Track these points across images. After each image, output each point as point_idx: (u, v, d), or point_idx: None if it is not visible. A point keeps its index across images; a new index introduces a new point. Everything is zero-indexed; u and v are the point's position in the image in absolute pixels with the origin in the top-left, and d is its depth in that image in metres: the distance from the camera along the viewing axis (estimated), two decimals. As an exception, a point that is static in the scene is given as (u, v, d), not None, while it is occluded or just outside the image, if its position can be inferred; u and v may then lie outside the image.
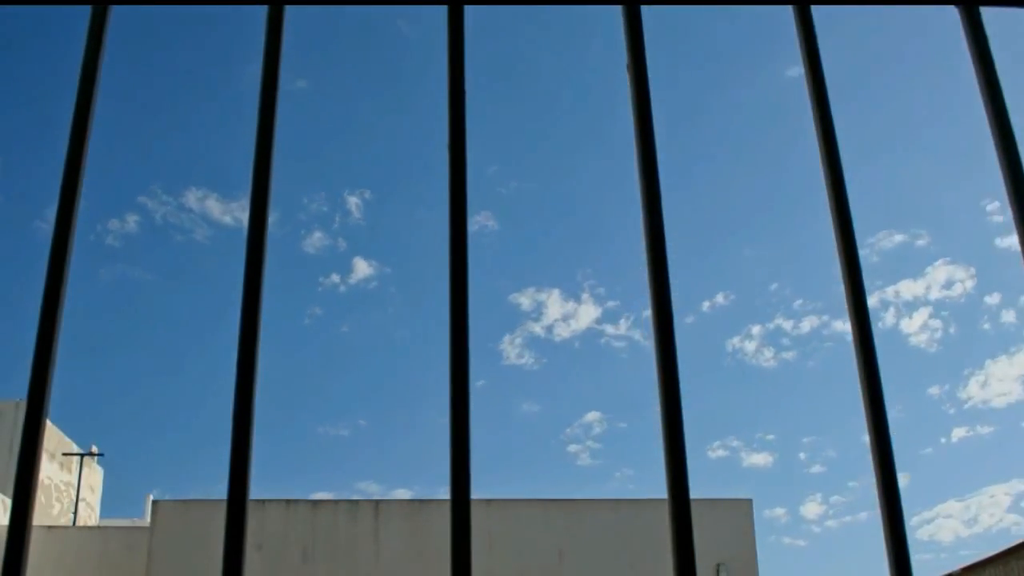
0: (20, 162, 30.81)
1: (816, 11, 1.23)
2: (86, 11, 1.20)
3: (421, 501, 17.96)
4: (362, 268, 33.95)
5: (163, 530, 17.53)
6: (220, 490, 19.92)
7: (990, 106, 1.18)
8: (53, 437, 23.74)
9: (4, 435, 23.31)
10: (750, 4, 1.23)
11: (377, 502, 17.96)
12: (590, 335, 32.17)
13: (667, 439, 1.02)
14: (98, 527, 21.96)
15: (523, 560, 17.35)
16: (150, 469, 38.09)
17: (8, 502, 19.71)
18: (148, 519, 20.80)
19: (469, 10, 1.23)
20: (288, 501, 17.85)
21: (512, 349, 31.17)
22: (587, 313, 31.65)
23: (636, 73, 1.19)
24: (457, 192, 1.13)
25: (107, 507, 26.83)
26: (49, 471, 23.51)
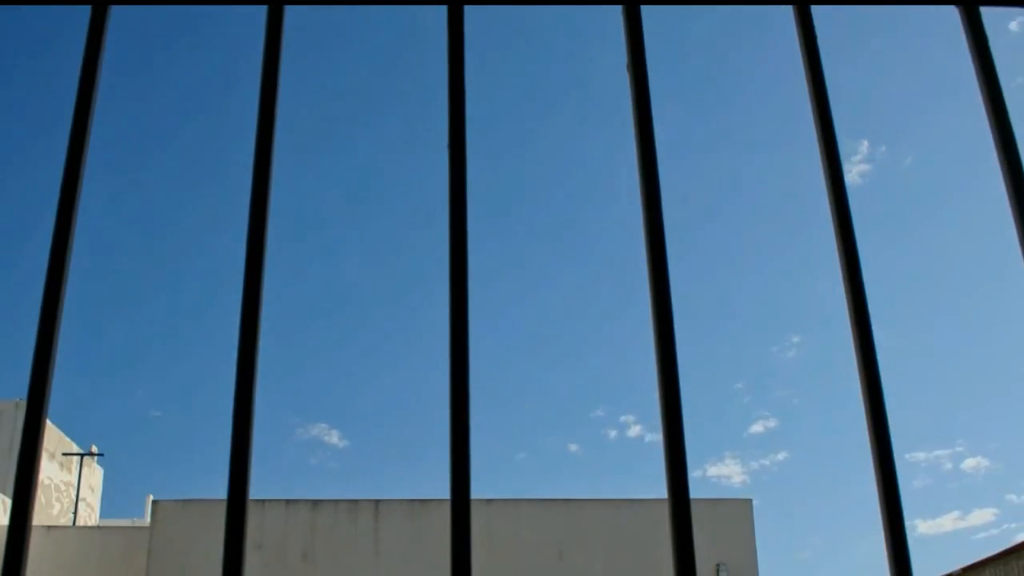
0: (20, 162, 30.81)
1: (816, 11, 1.23)
2: (86, 11, 1.20)
3: (421, 501, 17.96)
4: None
5: (163, 530, 17.54)
6: (220, 490, 19.92)
7: (990, 106, 1.18)
8: (53, 437, 23.74)
9: (4, 435, 23.32)
10: (750, 4, 1.23)
11: (377, 502, 17.96)
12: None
13: (667, 439, 1.02)
14: (98, 527, 21.96)
15: (523, 560, 17.35)
16: (150, 469, 38.12)
17: (8, 502, 19.72)
18: (148, 519, 20.81)
19: (469, 10, 1.23)
20: (288, 501, 17.85)
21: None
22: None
23: (636, 73, 1.19)
24: (457, 192, 1.13)
25: (107, 507, 26.84)
26: (49, 471, 23.51)
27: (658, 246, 1.10)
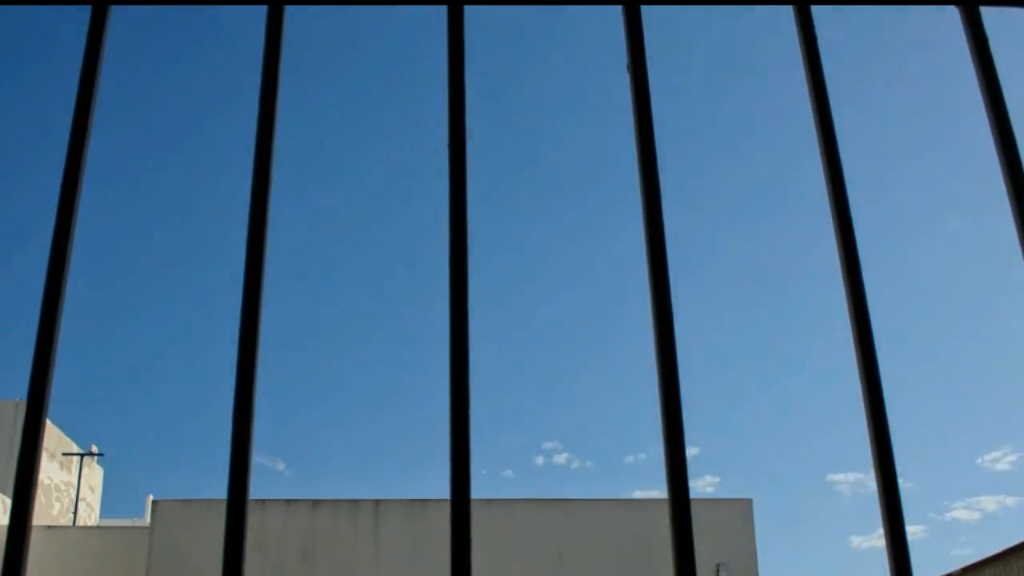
0: (20, 162, 30.81)
1: (816, 11, 1.23)
2: (86, 11, 1.20)
3: (421, 501, 17.96)
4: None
5: (163, 530, 17.54)
6: (220, 490, 19.91)
7: (990, 106, 1.18)
8: (53, 437, 23.74)
9: (4, 435, 23.32)
10: (750, 4, 1.23)
11: (377, 502, 17.96)
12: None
13: (667, 439, 1.02)
14: (98, 527, 21.96)
15: (523, 560, 17.35)
16: (150, 469, 38.13)
17: (8, 502, 19.72)
18: (148, 519, 20.81)
19: (469, 10, 1.23)
20: (288, 501, 17.85)
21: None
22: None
23: (636, 73, 1.19)
24: (457, 192, 1.13)
25: (107, 507, 26.84)
26: (49, 471, 23.51)
27: (658, 245, 1.10)
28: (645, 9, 1.23)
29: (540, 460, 34.70)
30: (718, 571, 17.31)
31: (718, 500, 17.86)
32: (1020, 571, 16.61)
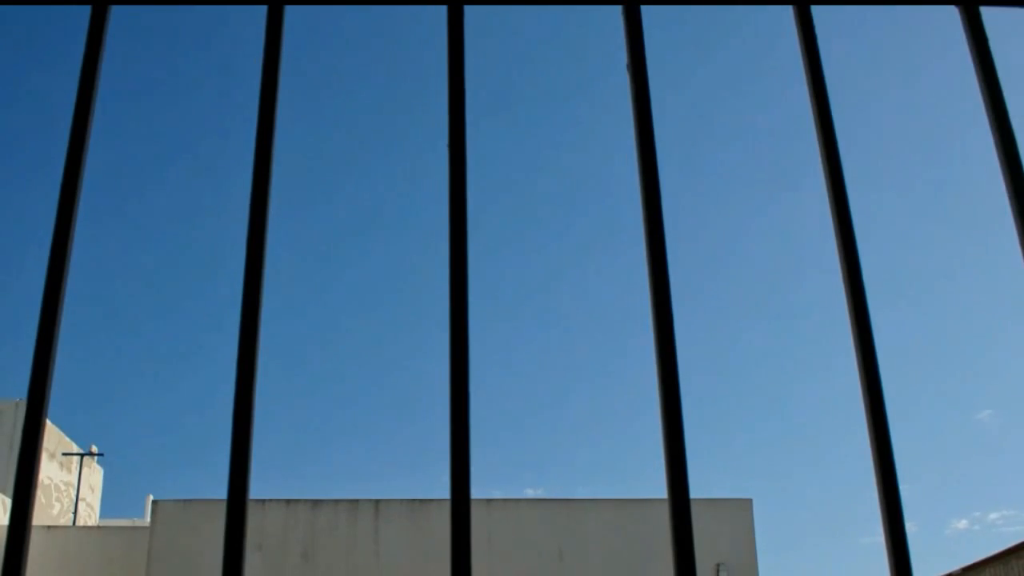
0: (20, 162, 30.82)
1: (816, 11, 1.23)
2: (86, 11, 1.20)
3: (421, 501, 17.96)
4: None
5: (163, 530, 17.53)
6: (220, 490, 19.90)
7: (990, 106, 1.18)
8: (53, 437, 23.74)
9: (4, 435, 23.31)
10: (750, 4, 1.23)
11: (377, 502, 17.95)
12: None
13: (667, 439, 1.02)
14: (98, 527, 21.95)
15: (523, 560, 17.35)
16: (150, 469, 38.15)
17: (8, 502, 19.72)
18: (148, 519, 20.81)
19: (469, 10, 1.23)
20: (288, 501, 17.85)
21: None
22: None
23: (636, 73, 1.19)
24: (457, 192, 1.13)
25: (107, 507, 26.84)
26: (49, 471, 23.51)
27: (658, 246, 1.10)
28: (645, 9, 1.23)
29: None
30: (718, 571, 17.31)
31: (718, 500, 17.85)
32: (1020, 571, 16.61)
